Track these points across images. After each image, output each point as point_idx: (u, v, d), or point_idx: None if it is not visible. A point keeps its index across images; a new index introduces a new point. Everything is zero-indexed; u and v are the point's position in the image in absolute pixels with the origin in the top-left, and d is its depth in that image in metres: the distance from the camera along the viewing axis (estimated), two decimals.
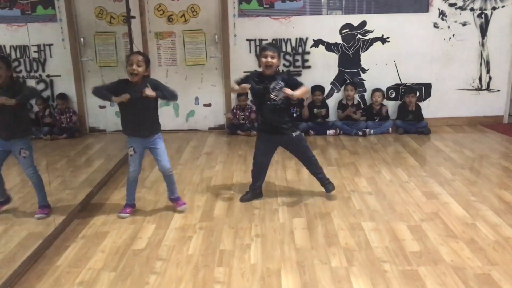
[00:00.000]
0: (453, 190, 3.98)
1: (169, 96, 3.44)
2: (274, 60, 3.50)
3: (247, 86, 3.51)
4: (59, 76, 6.02)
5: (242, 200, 3.81)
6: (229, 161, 4.95)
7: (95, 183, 4.14)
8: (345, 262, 2.87)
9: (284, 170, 4.60)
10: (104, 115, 6.04)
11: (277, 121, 3.58)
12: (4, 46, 5.58)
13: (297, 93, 3.48)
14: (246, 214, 3.59)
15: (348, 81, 5.96)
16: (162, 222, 3.48)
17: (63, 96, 5.96)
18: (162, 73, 6.06)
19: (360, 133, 5.72)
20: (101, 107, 5.95)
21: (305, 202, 3.81)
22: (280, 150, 5.19)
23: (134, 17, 5.46)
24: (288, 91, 3.43)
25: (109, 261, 2.95)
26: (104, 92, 3.36)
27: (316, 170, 3.85)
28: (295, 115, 5.83)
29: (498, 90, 6.06)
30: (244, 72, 5.97)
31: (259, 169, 3.84)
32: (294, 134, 3.65)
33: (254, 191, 3.86)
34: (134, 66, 3.27)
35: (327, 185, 3.86)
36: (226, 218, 3.51)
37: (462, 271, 2.75)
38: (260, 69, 3.60)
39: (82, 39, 5.87)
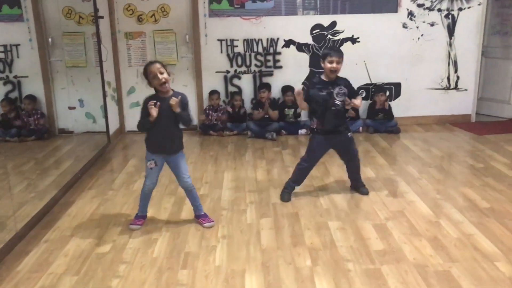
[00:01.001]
0: (419, 188, 4.04)
1: (186, 120, 3.20)
2: (340, 66, 3.54)
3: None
4: (27, 77, 5.88)
5: (284, 200, 3.79)
6: (200, 161, 4.93)
7: (61, 185, 4.08)
8: (309, 262, 2.88)
9: (255, 170, 4.60)
10: (74, 116, 5.95)
11: (338, 125, 3.64)
12: None
13: (359, 103, 3.68)
14: (214, 215, 3.57)
15: None
16: (128, 225, 3.44)
17: (31, 98, 5.84)
18: (132, 73, 6.00)
19: None
20: (71, 108, 5.86)
21: (273, 202, 3.82)
22: (252, 149, 5.19)
23: (102, 17, 5.39)
24: (358, 102, 3.64)
25: (72, 265, 2.90)
26: (143, 121, 3.18)
27: (356, 175, 3.91)
28: (266, 116, 5.85)
29: (466, 89, 6.17)
30: (216, 72, 6.01)
31: (308, 170, 3.84)
32: (349, 134, 3.73)
33: (292, 190, 3.86)
34: (160, 76, 3.05)
35: (362, 188, 3.91)
36: (193, 220, 3.49)
37: (424, 268, 2.79)
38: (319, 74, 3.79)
39: (50, 40, 5.75)
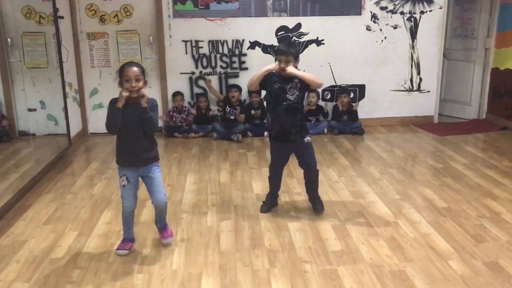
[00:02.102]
0: (379, 189, 4.09)
1: (152, 122, 2.86)
2: (289, 64, 3.29)
3: (271, 67, 3.34)
4: None
5: (262, 211, 3.60)
6: (163, 163, 4.86)
7: (17, 189, 3.96)
8: (267, 264, 2.88)
9: (218, 172, 4.57)
10: (35, 118, 5.80)
11: (289, 122, 3.40)
12: None
13: (299, 72, 3.31)
14: (174, 218, 3.53)
15: None
16: (85, 229, 3.38)
17: None
18: (95, 74, 5.90)
19: None
20: (31, 110, 5.71)
21: (235, 204, 3.80)
22: (217, 151, 5.17)
23: (62, 17, 5.28)
24: (291, 69, 3.27)
25: (24, 271, 2.82)
26: (112, 112, 2.83)
27: (312, 187, 3.63)
28: (232, 117, 5.83)
29: (428, 91, 6.30)
30: (181, 73, 5.96)
31: (276, 177, 3.64)
32: (305, 139, 3.47)
33: (273, 200, 3.68)
34: (134, 83, 2.76)
35: (317, 204, 3.61)
36: (152, 224, 3.41)
37: (379, 268, 2.82)
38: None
39: (9, 39, 5.59)
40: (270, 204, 3.66)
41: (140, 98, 2.80)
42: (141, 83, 2.81)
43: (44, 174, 4.47)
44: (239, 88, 5.91)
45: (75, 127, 5.77)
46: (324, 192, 4.00)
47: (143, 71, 2.84)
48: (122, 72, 2.81)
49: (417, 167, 4.70)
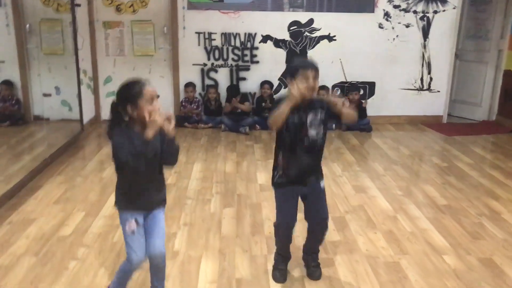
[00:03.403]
0: (382, 184, 4.14)
1: (175, 153, 2.28)
2: (317, 83, 2.40)
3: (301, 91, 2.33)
4: (3, 62, 5.86)
5: (278, 281, 2.67)
6: None
7: (30, 170, 4.10)
8: (265, 251, 2.96)
9: (225, 162, 4.67)
10: (49, 103, 5.95)
11: (308, 166, 2.53)
12: None
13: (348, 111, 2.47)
14: (179, 203, 3.64)
15: None
16: (93, 210, 3.50)
17: (8, 83, 5.83)
18: (109, 62, 6.02)
19: None
20: (46, 95, 5.86)
21: (238, 193, 3.89)
22: (225, 142, 5.23)
23: (79, 5, 5.41)
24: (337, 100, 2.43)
25: (32, 246, 2.95)
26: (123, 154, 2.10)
27: (317, 243, 2.76)
28: (239, 110, 5.90)
29: (438, 91, 6.31)
30: (193, 64, 6.05)
31: (288, 234, 2.68)
32: (322, 184, 2.63)
33: (286, 261, 2.76)
34: (156, 103, 2.11)
35: (315, 269, 2.74)
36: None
37: (374, 259, 2.89)
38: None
39: (27, 26, 5.74)
40: (284, 269, 2.74)
41: (168, 128, 2.12)
42: (157, 115, 2.09)
43: (56, 157, 4.61)
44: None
45: (88, 114, 5.91)
46: (327, 185, 4.01)
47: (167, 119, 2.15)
48: (132, 91, 2.10)
49: (421, 165, 4.74)
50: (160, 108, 2.11)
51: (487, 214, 3.55)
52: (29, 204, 3.58)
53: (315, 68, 2.38)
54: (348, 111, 2.45)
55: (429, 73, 6.23)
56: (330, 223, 3.32)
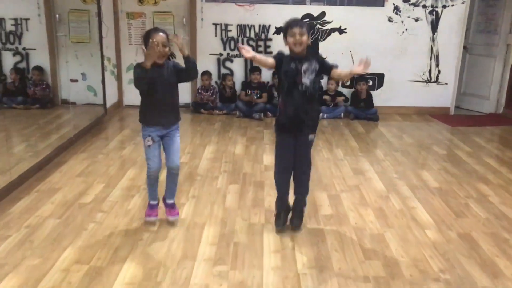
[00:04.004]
0: (380, 168, 4.41)
1: (194, 65, 2.94)
2: (304, 38, 2.90)
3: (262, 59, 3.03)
4: (35, 49, 6.31)
5: (279, 227, 3.12)
6: (187, 135, 5.34)
7: (56, 147, 4.51)
8: (263, 220, 3.28)
9: (235, 145, 4.99)
10: (76, 88, 6.37)
11: (304, 111, 2.98)
12: None
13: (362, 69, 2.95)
14: (189, 179, 3.99)
15: None
16: (111, 183, 3.87)
17: (39, 69, 6.27)
18: (132, 51, 6.41)
19: None
20: (73, 80, 6.28)
21: (244, 172, 4.22)
22: (237, 127, 5.53)
23: None
24: (359, 69, 2.93)
25: (56, 211, 3.33)
26: (138, 73, 2.83)
27: (301, 187, 3.20)
28: (255, 96, 6.22)
29: (446, 83, 6.50)
30: (210, 54, 6.39)
31: (286, 176, 3.17)
32: (310, 137, 3.08)
33: (284, 206, 3.19)
34: (161, 48, 2.80)
35: (298, 215, 3.16)
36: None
37: (361, 231, 3.17)
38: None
39: (57, 16, 6.16)
40: (285, 214, 3.19)
41: (180, 49, 2.83)
42: (167, 49, 2.87)
43: (80, 137, 5.02)
44: (260, 71, 6.28)
45: (112, 98, 6.31)
46: (327, 167, 4.37)
47: (168, 37, 2.90)
48: (147, 37, 2.84)
49: (421, 152, 4.97)
50: (166, 52, 2.85)
51: (474, 197, 3.79)
52: (55, 176, 3.98)
53: (300, 25, 2.92)
54: (349, 73, 3.02)
55: (437, 66, 6.43)
56: (325, 200, 3.65)
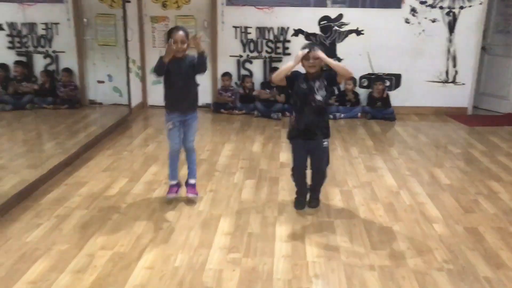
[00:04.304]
0: (393, 166, 4.52)
1: (204, 61, 3.44)
2: (317, 61, 3.25)
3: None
4: (64, 52, 6.63)
5: (298, 208, 3.55)
6: (207, 133, 5.55)
7: (83, 144, 4.78)
8: (276, 213, 3.46)
9: (253, 143, 5.18)
10: (103, 89, 6.67)
11: (316, 123, 3.35)
12: (16, 23, 6.21)
13: (331, 60, 3.25)
14: (207, 175, 4.19)
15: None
16: (135, 177, 4.10)
17: (68, 70, 6.59)
18: (156, 54, 6.64)
19: (331, 116, 6.26)
20: (100, 82, 6.57)
21: (261, 168, 4.40)
22: (256, 126, 5.72)
23: (129, 1, 6.07)
24: (320, 53, 3.21)
25: (83, 202, 3.58)
26: (158, 63, 3.34)
27: (317, 185, 3.62)
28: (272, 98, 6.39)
29: (463, 84, 6.54)
30: (230, 56, 6.60)
31: (300, 176, 3.58)
32: (324, 143, 3.41)
33: (303, 194, 3.63)
34: (179, 45, 3.29)
35: (314, 200, 3.63)
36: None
37: (370, 224, 3.31)
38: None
39: (85, 20, 6.47)
40: (303, 198, 3.62)
41: (197, 45, 3.33)
42: (185, 46, 3.35)
43: (106, 135, 5.28)
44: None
45: (136, 99, 6.58)
46: (341, 165, 4.51)
47: (187, 35, 3.36)
48: (169, 35, 3.34)
49: (435, 151, 5.06)
50: (184, 48, 3.34)
51: (484, 193, 3.88)
52: (82, 171, 4.24)
53: (314, 50, 3.25)
54: (336, 63, 3.28)
55: (454, 66, 6.48)
56: (337, 195, 3.79)
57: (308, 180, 3.62)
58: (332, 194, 3.81)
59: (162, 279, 2.62)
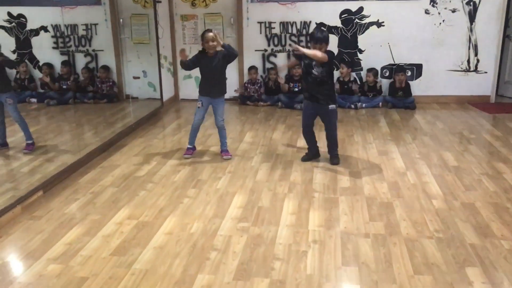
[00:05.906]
0: (405, 150, 4.74)
1: (231, 49, 4.36)
2: (322, 50, 4.06)
3: (293, 62, 5.18)
4: (102, 50, 7.17)
5: (302, 159, 4.46)
6: (232, 123, 5.92)
7: (118, 132, 5.25)
8: (286, 190, 3.78)
9: (273, 131, 5.50)
10: (138, 85, 7.16)
11: (316, 90, 4.20)
12: (59, 25, 6.78)
13: (306, 50, 4.00)
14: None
15: (346, 60, 6.74)
16: (162, 160, 4.52)
17: (106, 68, 7.12)
18: (186, 50, 7.06)
19: (352, 106, 6.50)
20: (135, 78, 7.06)
21: (277, 153, 4.72)
22: (278, 116, 6.03)
23: (160, 2, 6.51)
24: (299, 48, 4.03)
25: (115, 181, 4.02)
26: (186, 62, 4.43)
27: (330, 143, 4.40)
28: (296, 89, 6.68)
29: (486, 72, 6.61)
30: (255, 50, 6.94)
31: (306, 132, 4.44)
32: (329, 107, 4.24)
33: (311, 151, 4.50)
34: (211, 43, 4.29)
35: (333, 158, 4.37)
36: (210, 159, 4.50)
37: (372, 200, 3.58)
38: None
39: (121, 20, 6.97)
40: (310, 155, 4.48)
41: (218, 43, 4.34)
42: (215, 43, 4.33)
43: (139, 125, 5.75)
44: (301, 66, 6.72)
45: (168, 93, 7.03)
46: (355, 150, 4.77)
47: (215, 35, 4.36)
48: (202, 36, 4.40)
49: (449, 136, 5.21)
50: (214, 45, 4.32)
51: (489, 174, 4.05)
52: (116, 156, 4.69)
53: (316, 39, 4.12)
54: (309, 51, 4.02)
55: (476, 55, 6.56)
56: (346, 175, 4.07)
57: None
58: (341, 174, 4.08)
59: (178, 242, 3.00)
